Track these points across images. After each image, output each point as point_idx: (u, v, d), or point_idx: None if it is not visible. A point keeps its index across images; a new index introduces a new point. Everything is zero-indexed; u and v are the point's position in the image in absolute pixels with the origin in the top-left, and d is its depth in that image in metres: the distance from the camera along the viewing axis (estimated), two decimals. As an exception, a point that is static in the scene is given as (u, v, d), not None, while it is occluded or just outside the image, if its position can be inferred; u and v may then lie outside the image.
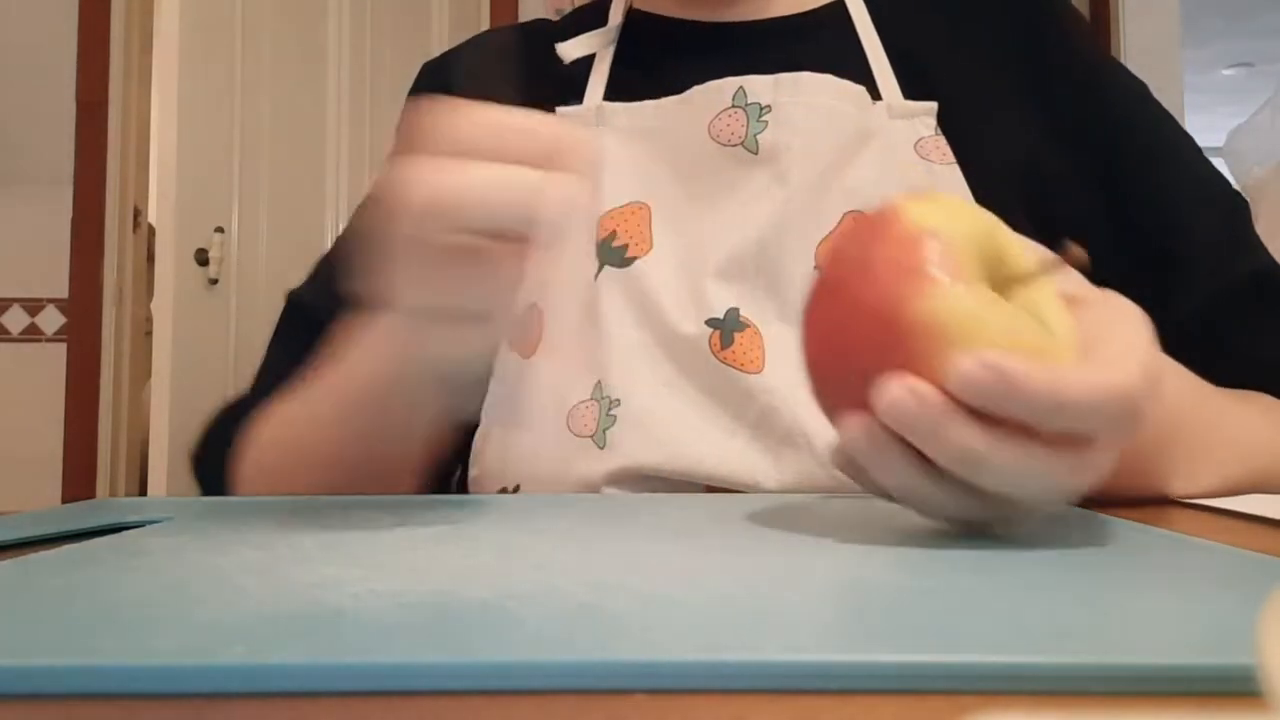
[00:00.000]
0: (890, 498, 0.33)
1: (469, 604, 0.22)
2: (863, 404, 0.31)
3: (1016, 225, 0.36)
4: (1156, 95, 0.64)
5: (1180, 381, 0.48)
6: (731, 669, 0.18)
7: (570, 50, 0.64)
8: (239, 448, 0.57)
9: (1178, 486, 0.46)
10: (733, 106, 0.58)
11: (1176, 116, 0.63)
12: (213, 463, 0.60)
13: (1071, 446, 0.30)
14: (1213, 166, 0.61)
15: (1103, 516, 0.36)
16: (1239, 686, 0.17)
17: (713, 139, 0.58)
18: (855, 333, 0.32)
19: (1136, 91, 0.62)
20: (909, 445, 0.30)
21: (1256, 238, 0.59)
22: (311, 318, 0.63)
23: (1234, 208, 0.59)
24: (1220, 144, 2.09)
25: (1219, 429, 0.49)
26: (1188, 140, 0.62)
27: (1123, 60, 2.36)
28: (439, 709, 0.17)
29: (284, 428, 0.55)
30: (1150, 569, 0.27)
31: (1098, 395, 0.29)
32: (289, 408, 0.56)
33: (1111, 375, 0.30)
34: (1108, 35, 2.41)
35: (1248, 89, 5.21)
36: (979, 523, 0.32)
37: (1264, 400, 0.54)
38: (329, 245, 0.70)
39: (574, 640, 0.20)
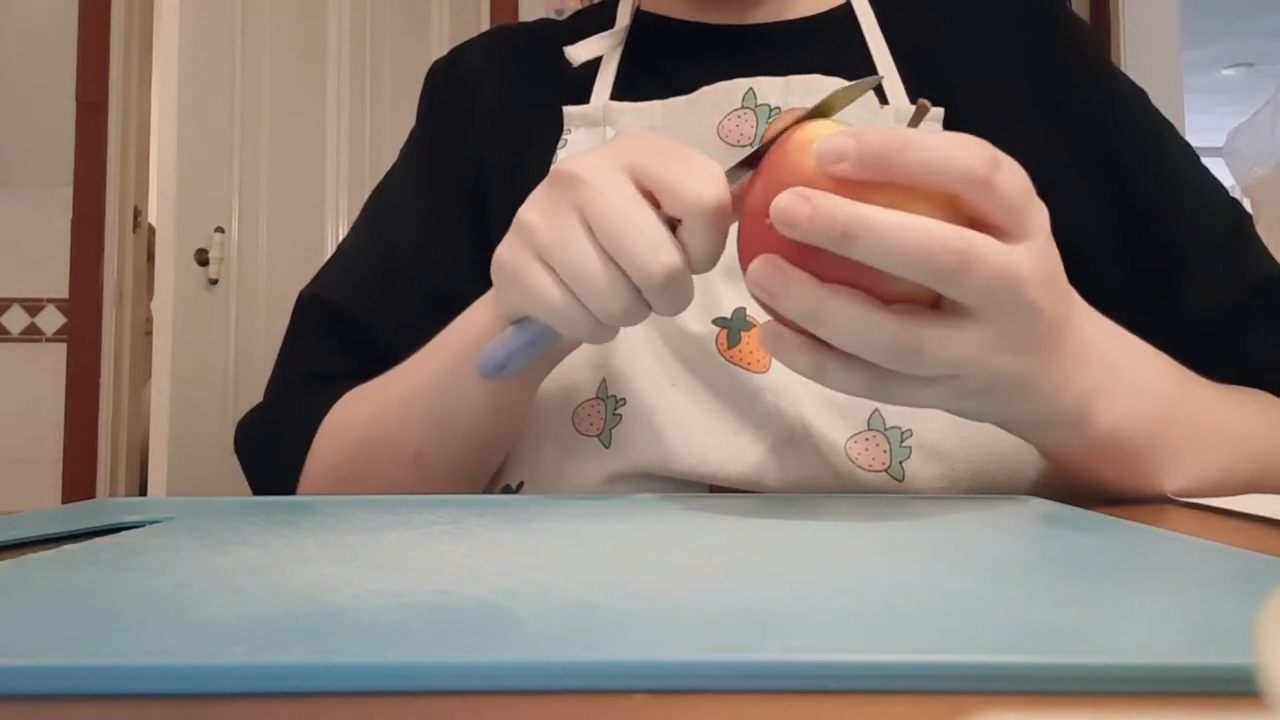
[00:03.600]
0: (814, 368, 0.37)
1: (469, 604, 0.22)
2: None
3: None
4: (1156, 96, 0.64)
5: (1171, 373, 0.48)
6: (731, 669, 0.18)
7: (578, 53, 0.64)
8: (304, 440, 0.58)
9: (1168, 480, 0.46)
10: (742, 108, 0.58)
11: (1176, 116, 0.63)
12: (267, 458, 0.60)
13: (944, 203, 0.34)
14: (1211, 174, 0.62)
15: (1103, 516, 0.36)
16: (1239, 686, 0.17)
17: (722, 139, 0.58)
18: (758, 198, 0.36)
19: (1137, 100, 0.63)
20: (804, 269, 0.34)
21: (1259, 244, 0.59)
22: (333, 314, 0.63)
23: (1235, 215, 0.60)
24: (1220, 144, 2.09)
25: (1212, 423, 0.49)
26: (1187, 148, 0.62)
27: (1122, 60, 2.37)
28: (439, 709, 0.17)
29: (361, 416, 0.56)
30: (1150, 569, 0.27)
31: (942, 138, 0.34)
32: (370, 399, 0.56)
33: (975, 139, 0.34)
34: (1108, 35, 2.41)
35: (1248, 89, 5.21)
36: (885, 354, 0.35)
37: (1262, 396, 0.54)
38: (329, 245, 0.70)
39: (574, 640, 0.20)
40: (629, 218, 0.39)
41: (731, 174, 0.40)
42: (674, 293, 0.39)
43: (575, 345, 0.49)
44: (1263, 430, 0.51)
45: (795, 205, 0.33)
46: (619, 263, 0.39)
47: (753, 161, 0.40)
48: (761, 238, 0.36)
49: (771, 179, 0.36)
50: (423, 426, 0.52)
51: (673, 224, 0.39)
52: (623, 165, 0.40)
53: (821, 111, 0.39)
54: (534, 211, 0.42)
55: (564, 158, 0.43)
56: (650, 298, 0.39)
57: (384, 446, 0.53)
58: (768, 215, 0.34)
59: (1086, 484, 0.47)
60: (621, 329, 0.55)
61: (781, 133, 0.38)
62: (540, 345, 0.44)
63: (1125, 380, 0.44)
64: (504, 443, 0.54)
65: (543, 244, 0.40)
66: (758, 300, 0.36)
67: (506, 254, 0.43)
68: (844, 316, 0.34)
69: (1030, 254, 0.35)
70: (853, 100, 0.40)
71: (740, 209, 0.39)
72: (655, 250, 0.38)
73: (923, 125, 0.58)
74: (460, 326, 0.51)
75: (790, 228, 0.33)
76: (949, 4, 0.65)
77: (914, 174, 0.33)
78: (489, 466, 0.54)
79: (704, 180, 0.38)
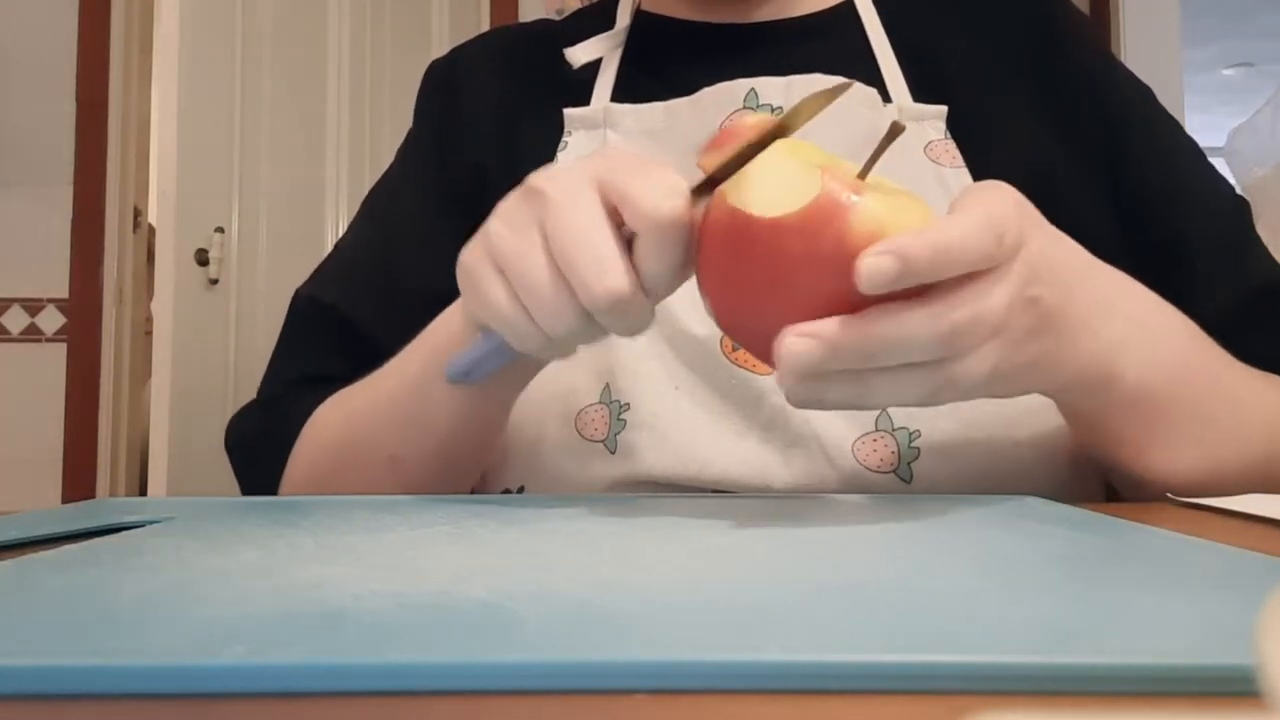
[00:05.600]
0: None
1: (469, 604, 0.22)
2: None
3: None
4: (1156, 95, 0.64)
5: (1189, 329, 0.48)
6: (731, 669, 0.18)
7: (578, 55, 0.63)
8: (288, 443, 0.58)
9: (1188, 441, 0.47)
10: (744, 108, 0.58)
11: (1176, 116, 0.63)
12: (257, 457, 0.60)
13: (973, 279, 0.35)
14: (1215, 170, 0.61)
15: (1103, 516, 0.36)
16: (1239, 686, 0.17)
17: None
18: (804, 279, 0.35)
19: (1141, 96, 0.62)
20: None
21: (1260, 242, 0.59)
22: (328, 315, 0.63)
23: (1239, 213, 0.59)
24: (1220, 144, 2.09)
25: (1231, 382, 0.49)
26: (1191, 144, 0.62)
27: (1122, 60, 2.37)
28: (439, 709, 0.17)
29: (343, 416, 0.56)
30: (1150, 569, 0.27)
31: (971, 230, 0.34)
32: (351, 399, 0.56)
33: (977, 210, 0.35)
34: (1108, 35, 2.41)
35: (1248, 89, 5.21)
36: (936, 344, 0.35)
37: (1273, 377, 0.53)
38: (329, 245, 0.69)
39: (574, 640, 0.20)
40: (583, 235, 0.38)
41: (698, 190, 0.38)
42: (623, 316, 0.38)
43: (544, 362, 0.48)
44: (1277, 402, 0.51)
45: (810, 349, 0.33)
46: (569, 280, 0.38)
47: (718, 180, 0.38)
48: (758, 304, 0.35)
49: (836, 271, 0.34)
50: (397, 429, 0.51)
51: (632, 239, 0.38)
52: (591, 179, 0.39)
53: (789, 122, 0.38)
54: (499, 220, 0.41)
55: (545, 168, 0.42)
56: (599, 319, 0.39)
57: (361, 448, 0.53)
58: (806, 297, 0.34)
59: (1110, 448, 0.47)
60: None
61: (742, 153, 0.37)
62: (505, 355, 0.43)
63: (1147, 332, 0.45)
64: (480, 450, 0.53)
65: (501, 254, 0.40)
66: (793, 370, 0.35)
67: (468, 259, 0.42)
68: (889, 333, 0.34)
69: (1018, 271, 0.36)
70: (820, 110, 0.39)
71: (719, 239, 0.37)
72: (602, 272, 0.37)
73: (925, 125, 0.59)
74: (436, 329, 0.51)
75: (808, 370, 0.33)
76: (952, 2, 0.65)
77: (955, 273, 0.34)
78: (467, 473, 0.54)
79: (663, 193, 0.37)
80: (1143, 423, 0.46)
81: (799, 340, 0.33)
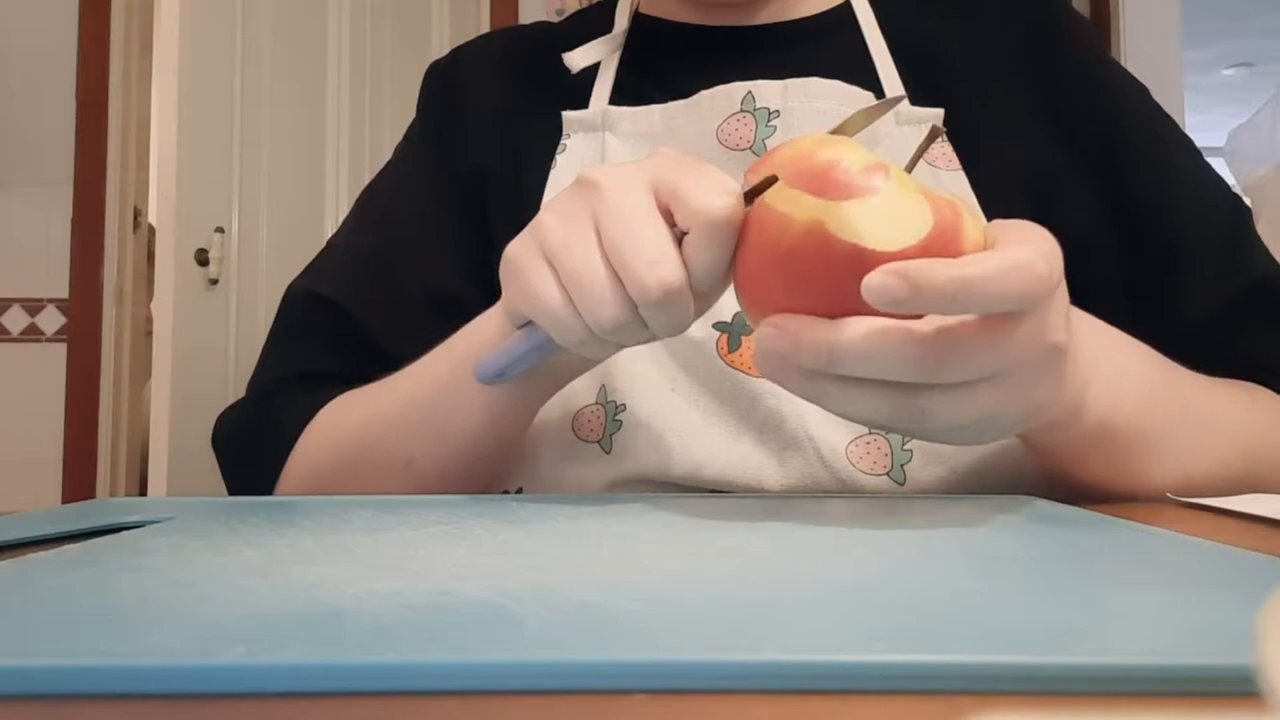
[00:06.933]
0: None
1: (469, 604, 0.22)
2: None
3: None
4: (1156, 95, 0.64)
5: (1151, 361, 0.48)
6: (731, 669, 0.18)
7: (577, 60, 0.63)
8: (287, 442, 0.57)
9: (1158, 470, 0.46)
10: (741, 111, 0.58)
11: (1176, 116, 0.63)
12: (247, 456, 0.59)
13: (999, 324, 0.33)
14: (1213, 171, 0.61)
15: (1103, 516, 0.36)
16: (1239, 686, 0.17)
17: (721, 143, 0.58)
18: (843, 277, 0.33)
19: (1138, 96, 0.62)
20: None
21: (1259, 242, 0.59)
22: (325, 309, 0.62)
23: (1236, 213, 0.59)
24: (1220, 144, 2.09)
25: (1199, 410, 0.49)
26: (1188, 145, 0.62)
27: (1123, 60, 2.36)
28: (439, 709, 0.17)
29: (353, 420, 0.55)
30: (1150, 569, 0.27)
31: (1003, 266, 0.32)
32: (364, 402, 0.56)
33: (1008, 252, 0.32)
34: (1108, 35, 2.41)
35: (1248, 89, 5.21)
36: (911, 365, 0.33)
37: (1254, 387, 0.53)
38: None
39: (574, 640, 0.20)
40: (636, 229, 0.38)
41: (748, 195, 0.38)
42: (669, 311, 0.38)
43: (577, 369, 0.48)
44: (1253, 419, 0.51)
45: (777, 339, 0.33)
46: (619, 273, 0.38)
47: (765, 186, 0.37)
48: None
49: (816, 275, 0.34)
50: (417, 432, 0.51)
51: (682, 239, 0.38)
52: (646, 178, 0.39)
53: (839, 134, 0.38)
54: (551, 213, 0.41)
55: (589, 164, 0.42)
56: (645, 314, 0.38)
57: (375, 450, 0.53)
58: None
59: (1078, 481, 0.46)
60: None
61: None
62: (542, 352, 0.43)
63: (1107, 368, 0.44)
64: (496, 459, 0.53)
65: (551, 245, 0.40)
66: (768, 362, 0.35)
67: (515, 250, 0.42)
68: (865, 344, 0.33)
69: (1059, 308, 0.35)
70: (872, 122, 0.39)
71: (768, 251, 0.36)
72: (655, 264, 0.37)
73: (922, 128, 0.59)
74: (465, 335, 0.50)
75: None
76: (949, 3, 0.65)
77: (979, 310, 0.32)
78: (480, 479, 0.53)
79: (715, 192, 0.37)
80: (1110, 459, 0.45)
81: (771, 332, 0.34)
